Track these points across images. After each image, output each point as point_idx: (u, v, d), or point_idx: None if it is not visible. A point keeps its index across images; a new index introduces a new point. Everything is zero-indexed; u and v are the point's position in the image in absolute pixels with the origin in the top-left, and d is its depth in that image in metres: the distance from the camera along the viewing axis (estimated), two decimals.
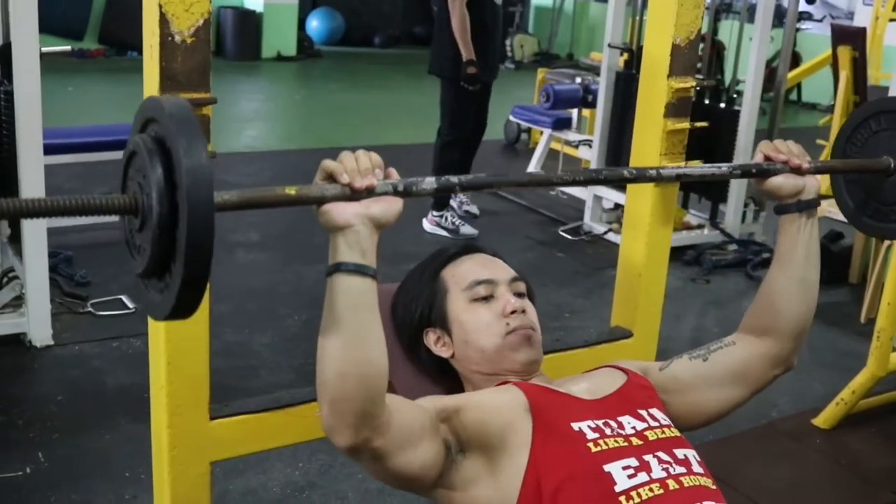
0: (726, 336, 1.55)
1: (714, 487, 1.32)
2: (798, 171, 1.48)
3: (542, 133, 6.27)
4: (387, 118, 8.34)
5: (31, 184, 3.10)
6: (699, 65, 4.81)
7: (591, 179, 1.71)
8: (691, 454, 1.35)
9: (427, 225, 4.96)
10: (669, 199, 1.87)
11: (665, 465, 1.29)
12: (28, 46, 3.03)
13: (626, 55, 5.05)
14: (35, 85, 3.05)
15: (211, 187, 0.93)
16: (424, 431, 1.27)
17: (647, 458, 1.29)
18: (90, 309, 3.57)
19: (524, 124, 6.78)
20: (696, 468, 1.33)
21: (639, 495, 1.24)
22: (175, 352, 1.42)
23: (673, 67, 1.76)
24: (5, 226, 3.42)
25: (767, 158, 1.49)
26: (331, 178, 1.16)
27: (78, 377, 3.13)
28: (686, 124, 1.82)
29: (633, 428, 1.34)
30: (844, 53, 5.71)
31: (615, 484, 1.25)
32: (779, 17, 6.28)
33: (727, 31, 6.00)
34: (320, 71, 11.06)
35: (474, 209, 5.31)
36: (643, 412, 1.38)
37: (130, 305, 3.61)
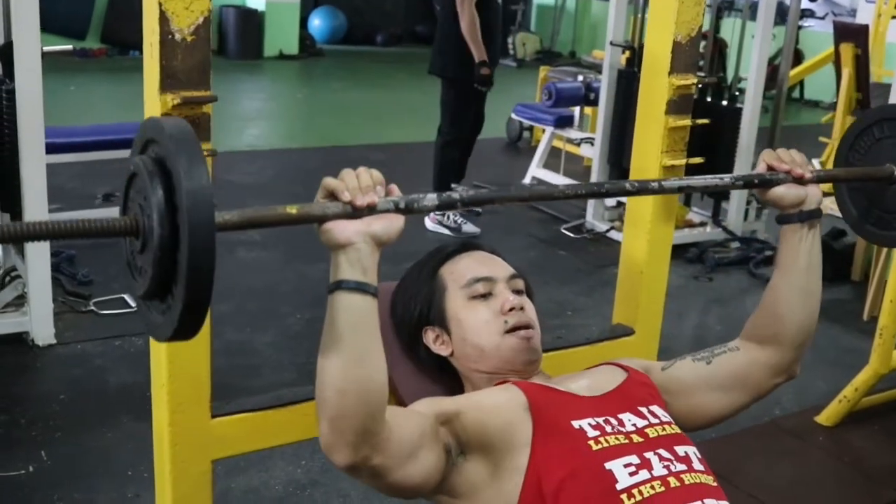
0: (728, 336, 1.55)
1: (715, 485, 1.32)
2: (800, 180, 1.47)
3: (544, 131, 6.26)
4: (389, 117, 8.34)
5: (33, 183, 3.11)
6: (701, 62, 4.81)
7: (593, 193, 1.70)
8: (692, 451, 1.34)
9: (429, 223, 4.95)
10: (671, 197, 1.86)
11: (666, 463, 1.29)
12: (30, 45, 3.03)
13: (627, 53, 5.04)
14: (37, 84, 3.05)
15: (212, 209, 0.93)
16: (424, 439, 1.26)
17: (648, 455, 1.29)
18: (92, 308, 3.58)
19: (526, 122, 6.77)
20: (697, 465, 1.32)
21: (640, 493, 1.24)
22: (176, 350, 1.41)
23: (674, 65, 1.76)
24: None
25: (770, 168, 1.48)
26: (332, 196, 1.17)
27: (80, 376, 3.13)
28: (687, 121, 1.81)
29: (634, 425, 1.34)
30: (847, 51, 5.71)
31: (616, 482, 1.25)
32: (781, 14, 6.26)
33: (729, 28, 5.99)
34: (322, 70, 11.05)
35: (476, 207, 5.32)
36: (643, 409, 1.38)
37: (132, 304, 3.60)
